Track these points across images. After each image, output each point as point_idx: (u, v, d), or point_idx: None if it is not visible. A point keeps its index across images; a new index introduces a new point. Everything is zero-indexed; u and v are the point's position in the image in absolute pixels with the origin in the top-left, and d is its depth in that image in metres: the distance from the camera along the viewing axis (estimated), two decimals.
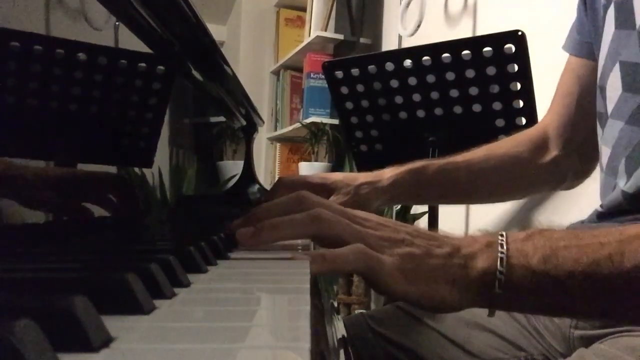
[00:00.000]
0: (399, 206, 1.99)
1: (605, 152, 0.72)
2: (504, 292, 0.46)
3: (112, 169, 0.65)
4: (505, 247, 0.46)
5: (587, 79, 0.82)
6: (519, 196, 0.98)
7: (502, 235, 0.47)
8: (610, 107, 0.71)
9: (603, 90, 0.72)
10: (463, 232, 1.69)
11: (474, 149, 0.90)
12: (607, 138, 0.72)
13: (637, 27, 0.66)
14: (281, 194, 0.71)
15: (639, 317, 0.48)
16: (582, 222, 0.78)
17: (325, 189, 0.83)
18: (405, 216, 1.99)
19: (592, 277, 0.44)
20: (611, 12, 0.71)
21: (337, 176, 0.86)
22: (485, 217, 1.58)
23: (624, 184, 0.67)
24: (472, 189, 0.90)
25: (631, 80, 0.67)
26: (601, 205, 0.73)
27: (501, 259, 0.46)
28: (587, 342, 0.70)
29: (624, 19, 0.68)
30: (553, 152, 0.89)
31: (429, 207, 1.36)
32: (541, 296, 0.46)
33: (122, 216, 0.67)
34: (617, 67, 0.69)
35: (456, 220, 1.68)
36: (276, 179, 2.95)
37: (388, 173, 0.85)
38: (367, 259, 0.45)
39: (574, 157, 0.88)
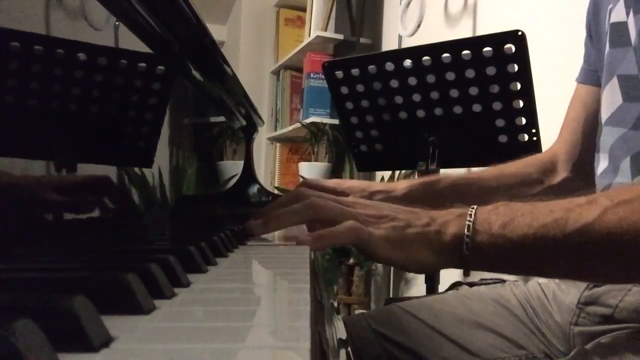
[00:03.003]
0: None
1: (603, 158, 0.76)
2: (471, 254, 0.54)
3: (113, 170, 0.65)
4: (473, 217, 0.55)
5: (592, 106, 0.87)
6: None
7: (472, 208, 0.56)
8: (605, 116, 0.75)
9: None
10: None
11: (487, 168, 0.95)
12: (603, 145, 0.76)
13: (632, 43, 0.71)
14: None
15: (586, 275, 0.58)
16: None
17: (339, 194, 0.84)
18: None
19: (541, 238, 0.51)
20: (608, 35, 0.76)
21: (352, 182, 0.91)
22: None
23: (631, 180, 0.69)
24: (481, 205, 0.93)
25: (631, 91, 0.71)
26: None
27: (468, 225, 0.54)
28: (587, 338, 0.70)
29: (619, 38, 0.73)
30: (562, 175, 0.93)
31: None
32: (502, 257, 0.54)
33: (118, 216, 0.67)
34: (614, 81, 0.74)
35: None
36: (276, 179, 2.96)
37: (402, 184, 0.90)
38: (358, 232, 0.54)
39: (581, 180, 0.91)
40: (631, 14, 0.70)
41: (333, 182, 0.92)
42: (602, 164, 0.76)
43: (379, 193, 0.87)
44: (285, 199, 0.63)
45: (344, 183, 0.91)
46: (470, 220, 0.55)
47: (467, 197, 0.90)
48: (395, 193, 0.88)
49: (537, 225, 0.52)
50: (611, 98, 0.74)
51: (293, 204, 0.59)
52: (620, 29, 0.73)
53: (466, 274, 0.58)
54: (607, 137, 0.74)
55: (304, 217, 0.59)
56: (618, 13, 0.73)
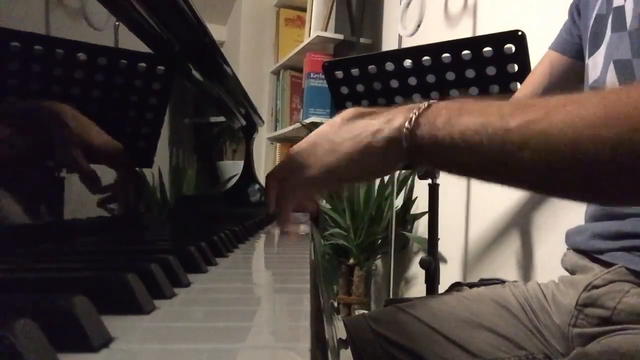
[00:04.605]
0: (399, 205, 1.99)
1: None
2: (409, 146, 0.52)
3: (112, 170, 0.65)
4: (420, 109, 0.52)
5: (559, 74, 0.89)
6: None
7: (428, 103, 0.53)
8: None
9: (596, 89, 0.75)
10: (463, 232, 1.69)
11: None
12: None
13: (628, 28, 0.71)
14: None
15: (525, 180, 0.48)
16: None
17: None
18: (405, 216, 1.99)
19: (482, 133, 0.47)
20: (610, 18, 0.75)
21: None
22: (485, 218, 1.58)
23: None
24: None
25: (624, 75, 0.72)
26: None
27: (411, 118, 0.52)
28: (586, 340, 0.70)
29: (618, 23, 0.73)
30: None
31: (429, 207, 1.36)
32: (441, 152, 0.50)
33: (122, 211, 0.67)
34: (611, 67, 0.73)
35: (457, 219, 1.69)
36: None
37: None
38: (281, 170, 0.63)
39: None
40: None
41: None
42: None
43: None
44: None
45: None
46: (415, 113, 0.52)
47: None
48: None
49: (481, 118, 0.48)
50: (610, 84, 0.74)
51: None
52: (619, 13, 0.74)
53: (418, 172, 0.56)
54: None
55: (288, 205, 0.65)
56: None
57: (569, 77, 0.84)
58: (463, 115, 0.49)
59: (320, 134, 0.61)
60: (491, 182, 0.51)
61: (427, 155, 0.52)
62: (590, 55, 0.78)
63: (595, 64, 0.77)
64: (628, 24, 0.71)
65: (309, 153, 0.60)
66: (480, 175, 0.51)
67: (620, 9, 0.73)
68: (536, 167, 0.45)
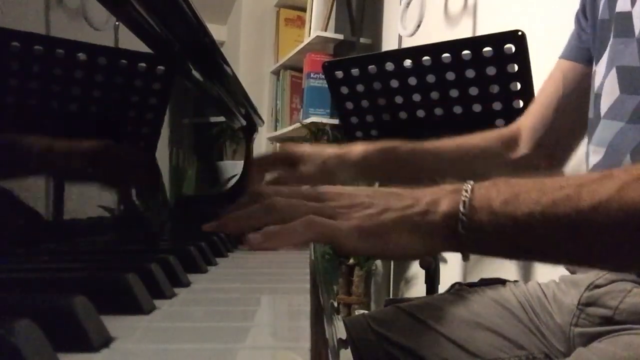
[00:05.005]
0: None
1: (597, 152, 0.74)
2: (467, 233, 0.47)
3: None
4: (469, 192, 0.48)
5: (572, 83, 0.84)
6: None
7: (468, 184, 0.50)
8: (604, 109, 0.73)
9: (599, 96, 0.74)
10: None
11: (448, 138, 0.91)
12: (601, 139, 0.74)
13: (636, 35, 0.69)
14: (257, 173, 0.81)
15: (597, 258, 0.49)
16: None
17: (292, 161, 0.82)
18: None
19: (551, 217, 0.45)
20: (614, 24, 0.74)
21: (305, 148, 0.84)
22: None
23: None
24: (438, 175, 0.90)
25: (629, 82, 0.69)
26: None
27: (464, 202, 0.48)
28: (587, 339, 0.70)
29: (623, 29, 0.71)
30: (522, 151, 0.90)
31: None
32: (503, 237, 0.48)
33: (126, 209, 0.67)
34: (613, 72, 0.72)
35: None
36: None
37: (358, 148, 0.84)
38: (318, 227, 0.47)
39: (543, 159, 0.89)
40: (637, 3, 0.69)
41: (285, 152, 0.84)
42: (594, 157, 0.74)
43: (332, 158, 0.81)
44: (246, 200, 0.57)
45: (297, 149, 0.83)
46: (466, 196, 0.48)
47: (423, 167, 0.88)
48: (350, 157, 0.82)
49: (546, 202, 0.46)
50: (609, 89, 0.72)
51: (251, 204, 0.53)
52: (624, 18, 0.71)
53: (465, 259, 0.51)
54: (606, 130, 0.72)
55: (262, 221, 0.51)
56: (624, 2, 0.71)
57: (584, 85, 0.80)
58: (520, 197, 0.47)
59: (367, 191, 0.54)
60: (551, 263, 0.51)
61: (483, 241, 0.48)
62: (597, 62, 0.77)
63: (600, 71, 0.76)
64: (636, 31, 0.69)
65: (344, 196, 0.53)
66: (540, 257, 0.51)
67: (625, 15, 0.71)
68: (620, 247, 0.45)
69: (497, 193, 0.48)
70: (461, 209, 0.48)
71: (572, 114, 0.81)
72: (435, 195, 0.50)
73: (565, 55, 0.88)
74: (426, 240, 0.49)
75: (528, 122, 0.90)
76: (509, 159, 0.90)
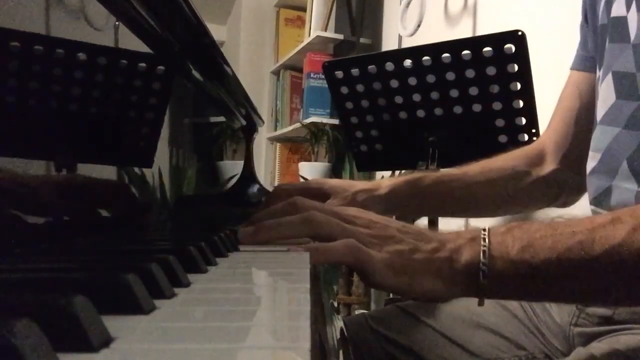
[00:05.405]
0: None
1: (594, 157, 0.74)
2: (488, 281, 0.50)
3: (112, 170, 0.65)
4: (487, 241, 0.50)
5: (588, 93, 0.84)
6: (515, 211, 0.98)
7: (484, 230, 0.52)
8: (600, 115, 0.73)
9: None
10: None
11: (472, 163, 0.90)
12: (597, 144, 0.74)
13: (631, 40, 0.69)
14: (280, 200, 0.77)
15: (613, 299, 0.53)
16: None
17: (322, 195, 0.82)
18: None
19: (566, 263, 0.48)
20: (609, 29, 0.73)
21: (335, 182, 0.86)
22: (484, 221, 1.58)
23: (635, 186, 0.67)
24: (467, 201, 0.90)
25: (625, 88, 0.69)
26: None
27: (484, 251, 0.50)
28: (587, 339, 0.70)
29: (618, 34, 0.71)
30: (550, 166, 0.90)
31: None
32: (522, 284, 0.50)
33: (122, 217, 0.67)
34: (609, 77, 0.72)
35: (457, 219, 1.68)
36: (276, 179, 2.96)
37: (386, 182, 0.85)
38: (357, 252, 0.50)
39: (571, 172, 0.89)
40: (632, 9, 0.69)
41: (316, 184, 0.86)
42: (591, 162, 0.75)
43: (361, 192, 0.83)
44: (281, 208, 0.59)
45: (326, 183, 0.85)
46: (485, 245, 0.50)
47: (451, 195, 0.87)
48: (378, 192, 0.83)
49: (561, 249, 0.48)
50: (606, 95, 0.72)
51: (288, 214, 0.55)
52: (619, 23, 0.71)
53: (481, 303, 0.53)
54: (602, 136, 0.73)
55: (300, 232, 0.54)
56: (618, 7, 0.71)
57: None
58: (535, 244, 0.49)
59: (397, 225, 0.55)
60: (568, 303, 0.56)
61: (502, 288, 0.50)
62: (600, 67, 0.77)
63: (600, 77, 0.76)
64: (632, 36, 0.69)
65: (371, 221, 0.55)
66: (556, 300, 0.55)
67: (621, 20, 0.71)
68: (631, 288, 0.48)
69: (512, 240, 0.50)
70: (482, 259, 0.50)
71: (593, 124, 0.81)
72: (457, 241, 0.52)
73: (575, 66, 0.88)
74: (447, 285, 0.51)
75: (551, 138, 0.90)
76: (537, 176, 0.89)
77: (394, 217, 1.64)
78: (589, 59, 0.84)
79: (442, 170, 0.89)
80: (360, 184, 0.85)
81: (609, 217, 0.49)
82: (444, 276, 0.51)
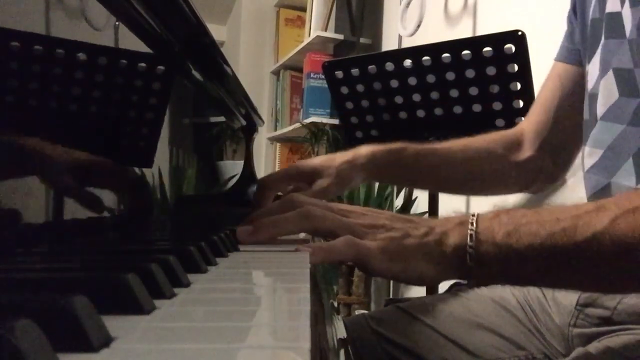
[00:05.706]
0: (399, 206, 1.99)
1: (593, 154, 0.74)
2: (475, 264, 0.51)
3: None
4: (474, 225, 0.52)
5: (570, 85, 0.85)
6: (489, 192, 0.98)
7: (473, 215, 0.53)
8: (601, 111, 0.73)
9: (594, 96, 0.74)
10: None
11: (455, 140, 0.91)
12: (598, 140, 0.73)
13: (627, 36, 0.69)
14: (270, 192, 0.81)
15: (592, 286, 0.56)
16: None
17: (306, 177, 0.82)
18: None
19: (549, 249, 0.49)
20: (604, 24, 0.73)
21: (315, 161, 0.85)
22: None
23: (635, 183, 0.67)
24: (445, 176, 0.92)
25: (626, 85, 0.69)
26: None
27: (471, 235, 0.51)
28: (586, 340, 0.70)
29: (613, 30, 0.71)
30: (527, 153, 0.90)
31: (429, 206, 1.36)
32: (508, 268, 0.51)
33: (128, 213, 0.67)
34: (610, 74, 0.72)
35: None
36: None
37: (365, 150, 0.85)
38: (356, 247, 0.52)
39: (548, 160, 0.90)
40: (626, 4, 0.69)
41: (296, 170, 0.84)
42: (590, 159, 0.74)
43: (343, 165, 0.82)
44: (277, 206, 0.60)
45: (307, 165, 0.84)
46: (472, 229, 0.52)
47: (431, 168, 0.89)
48: (359, 160, 0.83)
49: (544, 234, 0.49)
50: (607, 92, 0.72)
51: (285, 211, 0.57)
52: (614, 19, 0.71)
53: (470, 285, 0.55)
54: (604, 133, 0.72)
55: (298, 227, 0.56)
56: (613, 2, 0.71)
57: (581, 86, 0.81)
58: (520, 229, 0.50)
59: (386, 214, 0.58)
60: (550, 288, 0.58)
61: (488, 271, 0.52)
62: (589, 61, 0.77)
63: (593, 71, 0.76)
64: (627, 32, 0.69)
65: (364, 214, 0.57)
66: (540, 284, 0.57)
67: (615, 16, 0.71)
68: (609, 273, 0.49)
69: (499, 225, 0.51)
70: (469, 242, 0.51)
71: (574, 115, 0.82)
72: (445, 226, 0.54)
73: (559, 58, 0.89)
74: (439, 269, 0.53)
75: (530, 125, 0.91)
76: (513, 161, 0.90)
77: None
78: (574, 51, 0.85)
79: (425, 143, 0.89)
80: (340, 157, 0.84)
81: (594, 205, 0.50)
82: (434, 260, 0.53)
